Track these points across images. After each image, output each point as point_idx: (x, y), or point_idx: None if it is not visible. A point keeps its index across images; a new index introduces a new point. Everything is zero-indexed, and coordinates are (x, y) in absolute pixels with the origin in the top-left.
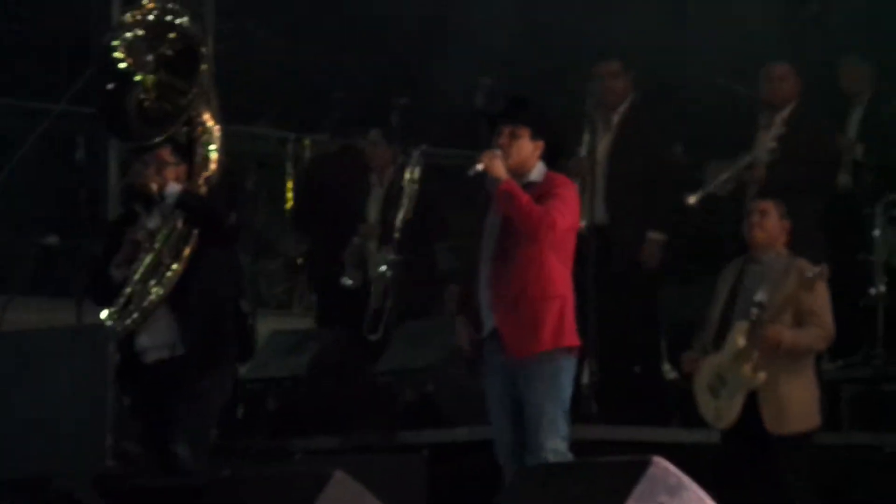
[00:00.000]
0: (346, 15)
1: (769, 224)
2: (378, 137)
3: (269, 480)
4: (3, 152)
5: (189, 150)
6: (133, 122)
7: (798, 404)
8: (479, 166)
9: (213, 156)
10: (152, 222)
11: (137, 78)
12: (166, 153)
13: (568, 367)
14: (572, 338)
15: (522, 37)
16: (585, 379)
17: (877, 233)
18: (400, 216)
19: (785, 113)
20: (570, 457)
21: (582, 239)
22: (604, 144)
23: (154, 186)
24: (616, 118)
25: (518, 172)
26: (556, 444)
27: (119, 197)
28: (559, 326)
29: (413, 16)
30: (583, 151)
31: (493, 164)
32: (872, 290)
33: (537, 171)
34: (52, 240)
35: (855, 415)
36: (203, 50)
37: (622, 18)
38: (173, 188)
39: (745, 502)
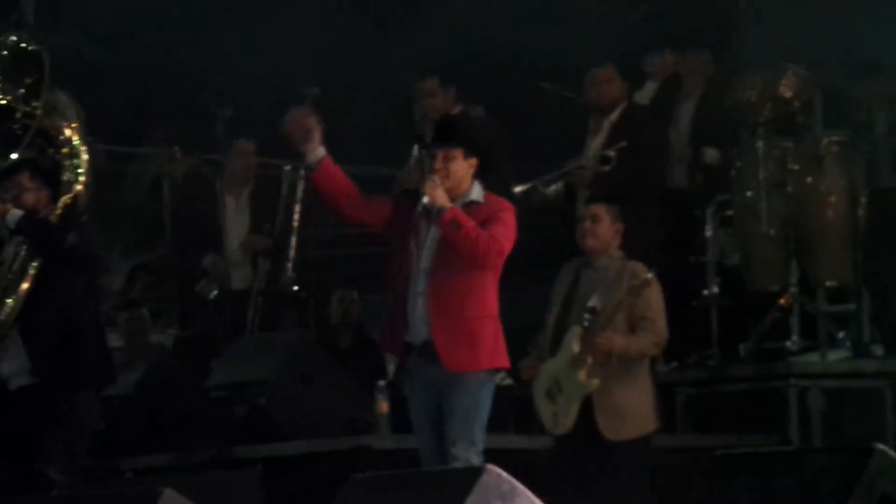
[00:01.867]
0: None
1: (601, 229)
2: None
3: (97, 500)
4: None
5: (54, 174)
6: None
7: (633, 410)
8: (425, 199)
9: (81, 178)
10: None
11: None
12: (25, 178)
13: (492, 385)
14: (504, 359)
15: None
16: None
17: (709, 233)
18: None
19: (614, 116)
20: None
21: None
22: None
23: None
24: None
25: (455, 193)
26: (470, 458)
27: None
28: (494, 346)
29: None
30: (412, 161)
31: (435, 194)
32: (705, 292)
33: (476, 190)
34: None
35: (689, 417)
36: (46, 63)
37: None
38: (14, 214)
39: None
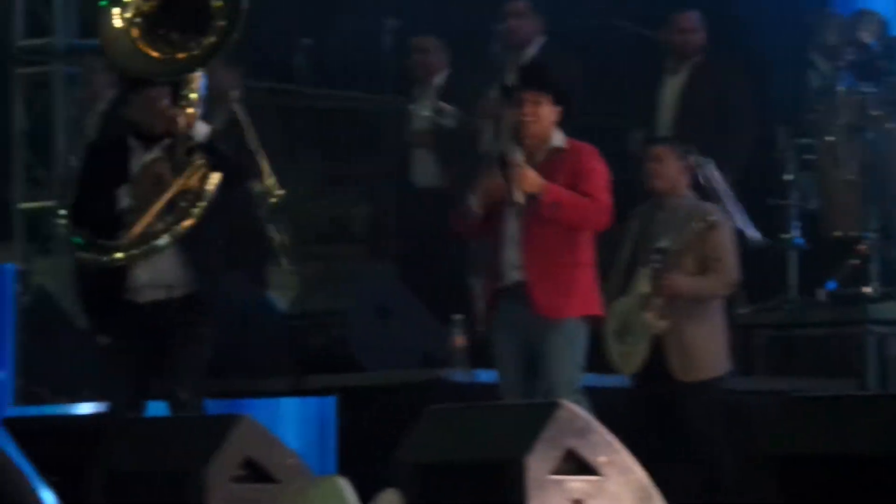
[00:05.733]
0: None
1: (666, 170)
2: None
3: (177, 424)
4: None
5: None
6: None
7: (704, 351)
8: (520, 196)
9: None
10: (152, 158)
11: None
12: (165, 92)
13: (586, 331)
14: (598, 307)
15: None
16: None
17: (789, 177)
18: None
19: (696, 59)
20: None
21: None
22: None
23: (182, 123)
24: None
25: (540, 138)
26: (572, 399)
27: (97, 124)
28: (589, 294)
29: None
30: (493, 92)
31: (527, 178)
32: (785, 235)
33: (558, 136)
34: None
35: (767, 360)
36: None
37: None
38: (202, 128)
39: (655, 447)
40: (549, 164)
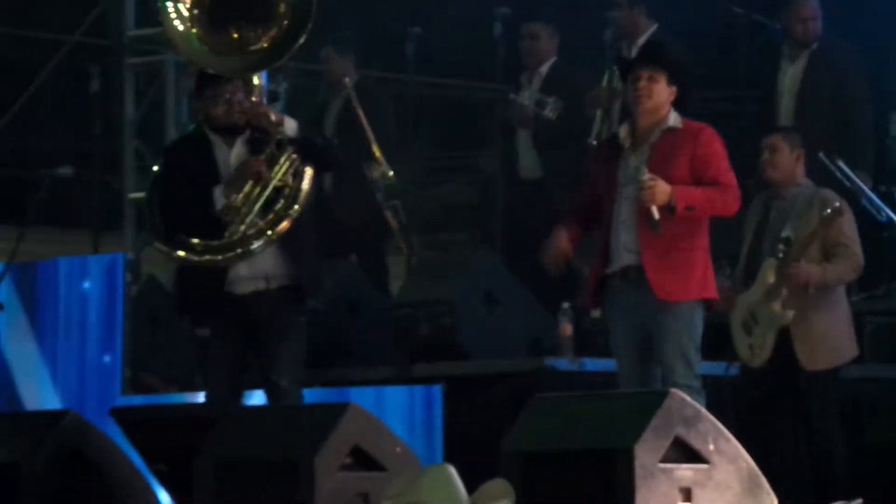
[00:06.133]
0: None
1: (780, 159)
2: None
3: (284, 412)
4: (19, 83)
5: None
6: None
7: (832, 339)
8: (655, 213)
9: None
10: (236, 154)
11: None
12: (240, 86)
13: (702, 313)
14: (713, 290)
15: None
16: (597, 314)
17: None
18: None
19: (815, 46)
20: (703, 394)
21: None
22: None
23: (274, 118)
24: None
25: (655, 118)
26: (689, 382)
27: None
28: (704, 277)
29: None
30: (604, 82)
31: (659, 192)
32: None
33: (674, 116)
34: (66, 171)
35: (877, 347)
36: None
37: None
38: (291, 123)
39: (764, 436)
40: (665, 144)
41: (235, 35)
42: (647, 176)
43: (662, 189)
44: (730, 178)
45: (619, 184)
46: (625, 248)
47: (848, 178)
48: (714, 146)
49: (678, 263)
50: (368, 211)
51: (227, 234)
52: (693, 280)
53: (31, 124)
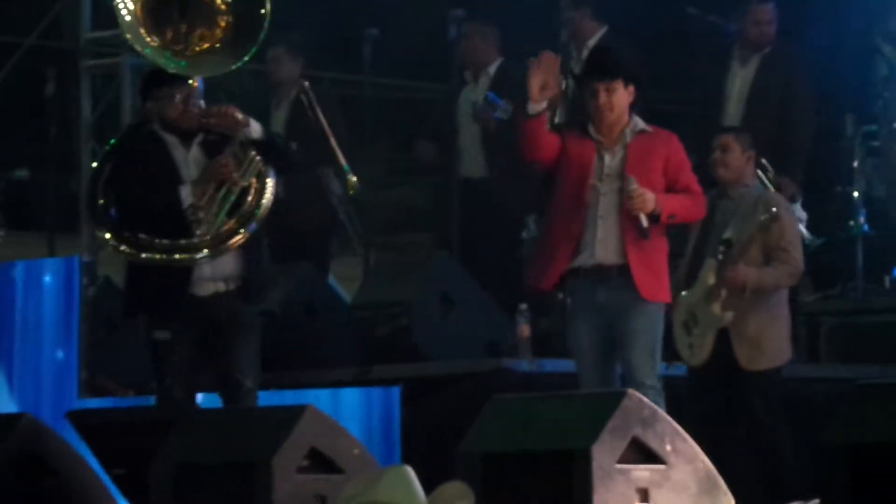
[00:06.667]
0: None
1: (731, 159)
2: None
3: (240, 414)
4: None
5: None
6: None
7: (769, 340)
8: (643, 220)
9: None
10: (193, 155)
11: None
12: (197, 90)
13: (663, 314)
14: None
15: None
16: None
17: (856, 164)
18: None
19: (766, 51)
20: (663, 395)
21: None
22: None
23: (240, 119)
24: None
25: (619, 125)
26: (653, 382)
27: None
28: (668, 279)
29: None
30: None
31: (647, 201)
32: (851, 222)
33: (639, 119)
34: (22, 173)
35: (833, 347)
36: None
37: None
38: (256, 125)
39: (716, 435)
40: (639, 147)
41: (180, 34)
42: (635, 185)
43: (650, 198)
44: (698, 185)
45: (593, 176)
46: (601, 244)
47: (767, 186)
48: (683, 153)
49: (655, 265)
50: (321, 215)
51: (196, 233)
52: (664, 282)
53: None
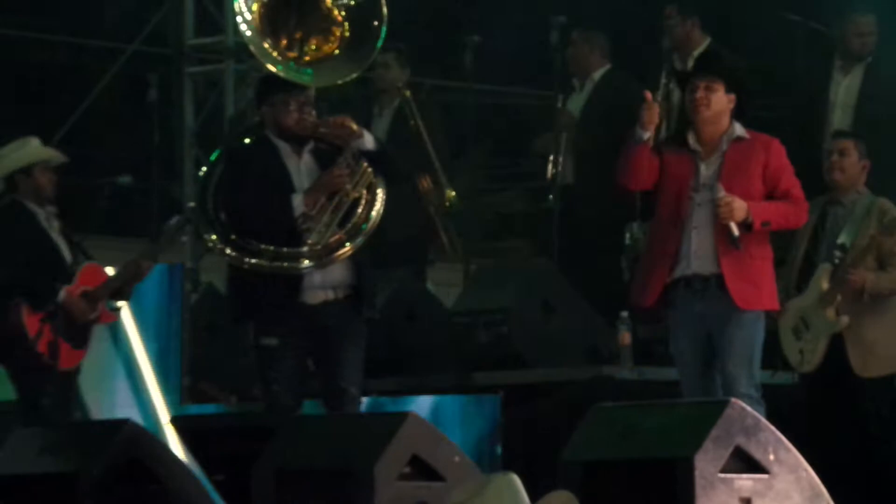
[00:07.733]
0: None
1: (848, 164)
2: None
3: (343, 421)
4: (77, 92)
5: None
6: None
7: (885, 347)
8: (734, 229)
9: None
10: (305, 163)
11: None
12: (311, 98)
13: (764, 326)
14: (777, 302)
15: None
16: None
17: None
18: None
19: (869, 60)
20: (763, 405)
21: None
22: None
23: (355, 129)
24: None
25: (717, 129)
26: (751, 392)
27: (238, 127)
28: (772, 288)
29: None
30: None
31: (736, 209)
32: None
33: (738, 127)
34: (126, 179)
35: None
36: None
37: None
38: (369, 136)
39: (824, 444)
40: (736, 155)
41: (296, 39)
42: (722, 193)
43: (739, 206)
44: (800, 190)
45: (690, 188)
46: (696, 255)
47: None
48: (784, 159)
49: (752, 273)
50: (418, 222)
51: (308, 242)
52: (765, 290)
53: (90, 133)
